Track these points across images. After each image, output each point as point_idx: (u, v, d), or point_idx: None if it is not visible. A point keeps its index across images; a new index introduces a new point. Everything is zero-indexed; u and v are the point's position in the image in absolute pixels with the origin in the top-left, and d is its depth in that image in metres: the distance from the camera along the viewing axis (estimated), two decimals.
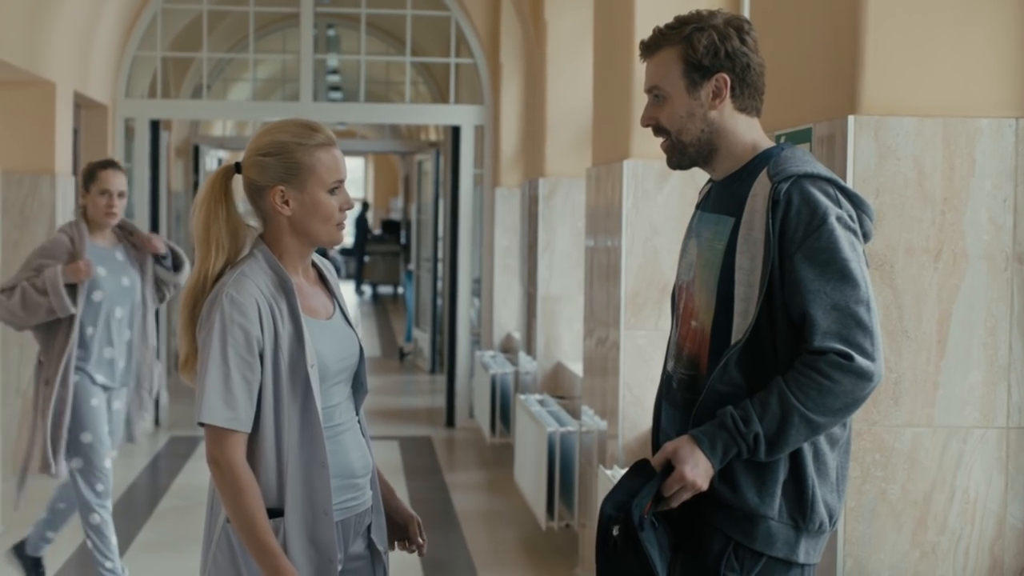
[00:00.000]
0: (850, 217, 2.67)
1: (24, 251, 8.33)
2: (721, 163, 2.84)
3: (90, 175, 5.61)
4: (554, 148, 8.49)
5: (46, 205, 8.39)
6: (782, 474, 2.68)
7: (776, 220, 2.65)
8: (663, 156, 2.90)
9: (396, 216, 28.01)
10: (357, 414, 3.01)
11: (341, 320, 2.98)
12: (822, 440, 2.70)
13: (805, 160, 2.72)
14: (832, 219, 2.63)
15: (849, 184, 3.22)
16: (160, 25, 10.47)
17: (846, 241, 2.63)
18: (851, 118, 3.25)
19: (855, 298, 2.61)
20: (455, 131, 10.97)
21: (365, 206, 27.13)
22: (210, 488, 2.92)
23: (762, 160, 2.77)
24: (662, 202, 5.39)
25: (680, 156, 2.84)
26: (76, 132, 9.42)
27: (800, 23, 3.68)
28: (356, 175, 32.16)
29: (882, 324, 3.23)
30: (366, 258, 25.62)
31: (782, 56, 3.70)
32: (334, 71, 18.55)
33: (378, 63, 14.05)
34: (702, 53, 2.75)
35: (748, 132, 2.81)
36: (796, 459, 2.68)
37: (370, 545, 3.01)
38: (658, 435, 2.93)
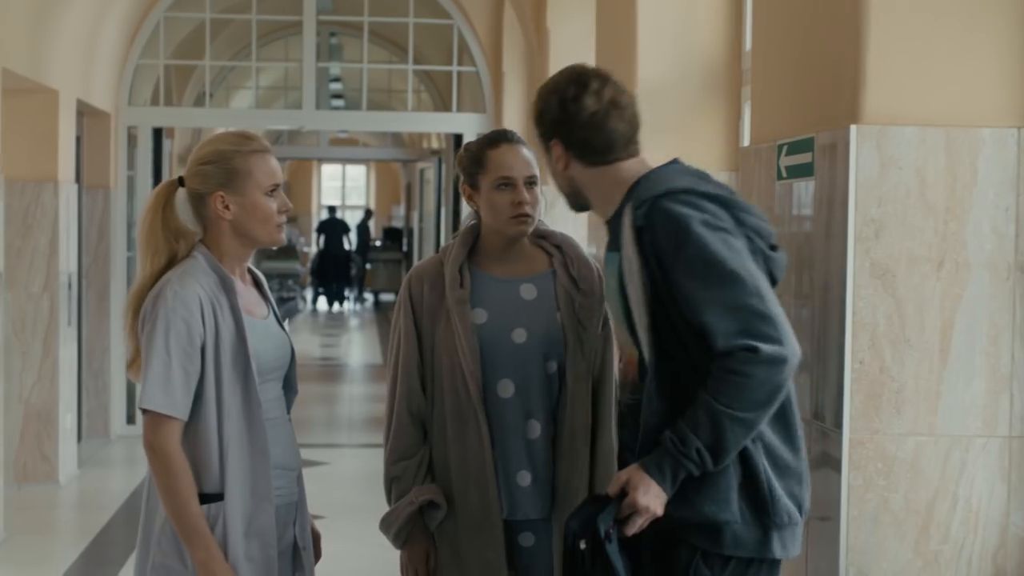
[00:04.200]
0: (715, 216, 2.71)
1: (27, 259, 8.35)
2: (600, 208, 2.93)
3: (476, 159, 3.24)
4: None
5: (49, 213, 8.40)
6: (735, 478, 2.71)
7: (645, 245, 2.70)
8: None
9: (398, 224, 27.99)
10: (288, 413, 3.16)
11: (275, 322, 3.14)
12: (769, 433, 2.73)
13: (662, 179, 2.77)
14: (695, 226, 2.67)
15: (851, 193, 3.23)
16: (163, 33, 10.48)
17: (718, 241, 2.67)
18: (853, 127, 3.25)
19: (744, 292, 2.64)
20: (457, 139, 10.99)
21: (368, 214, 27.13)
22: (147, 481, 3.04)
23: (630, 193, 2.82)
24: None
25: (568, 203, 2.99)
26: (79, 140, 9.43)
27: (802, 33, 3.68)
28: (358, 183, 32.17)
29: (884, 333, 3.24)
30: (368, 265, 25.62)
31: (784, 66, 3.70)
32: (336, 79, 18.55)
33: (380, 71, 14.06)
34: (535, 123, 2.92)
35: (614, 177, 2.87)
36: (746, 460, 2.71)
37: (294, 541, 3.13)
38: (624, 457, 2.97)
